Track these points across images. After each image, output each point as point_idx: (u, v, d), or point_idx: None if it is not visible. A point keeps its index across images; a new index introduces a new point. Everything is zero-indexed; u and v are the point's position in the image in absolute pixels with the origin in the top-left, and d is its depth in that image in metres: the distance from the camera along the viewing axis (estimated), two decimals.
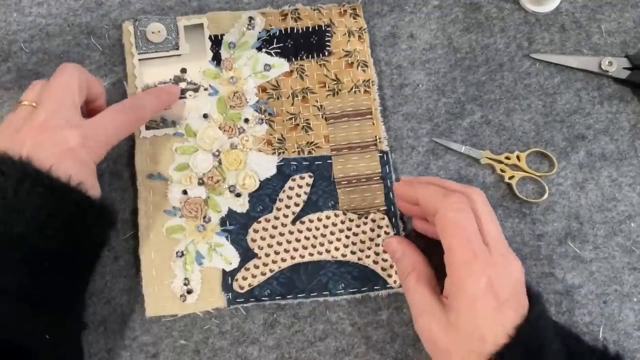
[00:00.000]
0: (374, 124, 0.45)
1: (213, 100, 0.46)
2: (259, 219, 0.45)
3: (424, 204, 0.37)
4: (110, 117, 0.39)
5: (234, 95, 0.46)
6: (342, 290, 0.43)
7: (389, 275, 0.43)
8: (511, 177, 0.45)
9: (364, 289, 0.43)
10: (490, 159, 0.46)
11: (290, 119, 0.46)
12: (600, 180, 0.45)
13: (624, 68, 0.44)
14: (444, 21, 0.48)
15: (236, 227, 0.45)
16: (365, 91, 0.46)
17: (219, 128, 0.45)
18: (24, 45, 0.44)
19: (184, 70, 0.46)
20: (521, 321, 0.33)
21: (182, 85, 0.46)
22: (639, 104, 0.45)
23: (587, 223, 0.45)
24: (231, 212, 0.45)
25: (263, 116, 0.46)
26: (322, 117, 0.46)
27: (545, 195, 0.45)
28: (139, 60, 0.46)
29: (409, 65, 0.48)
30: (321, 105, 0.46)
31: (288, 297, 0.43)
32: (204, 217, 0.45)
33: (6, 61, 0.44)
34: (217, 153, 0.45)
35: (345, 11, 0.47)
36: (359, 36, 0.47)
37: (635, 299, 0.43)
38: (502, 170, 0.46)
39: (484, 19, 0.48)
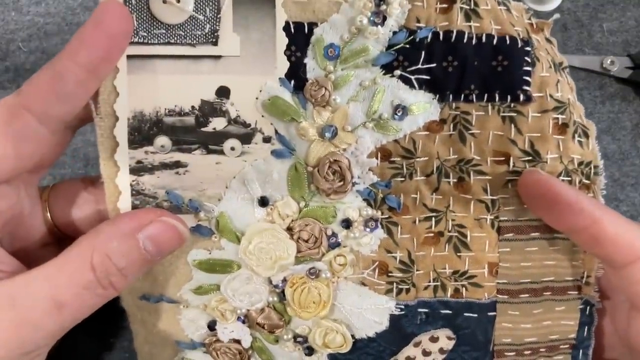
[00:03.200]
0: (585, 250, 0.24)
1: (282, 169, 0.22)
2: None
3: (611, 242, 0.22)
4: (73, 298, 0.20)
5: (327, 166, 0.22)
6: None
7: None
8: None
9: None
10: None
11: (428, 219, 0.23)
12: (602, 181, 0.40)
13: (626, 67, 0.43)
14: None
15: None
16: (583, 184, 0.23)
17: (290, 230, 0.22)
18: (22, 44, 0.44)
19: (223, 92, 0.21)
20: None
21: (218, 123, 0.22)
22: None
23: None
24: None
25: (379, 213, 0.23)
26: (493, 225, 0.23)
27: None
28: (130, 57, 0.20)
29: None
30: (493, 201, 0.23)
31: None
32: None
33: (4, 60, 0.44)
34: (279, 284, 0.23)
35: (536, 26, 0.23)
36: (565, 78, 0.23)
37: None
38: None
39: None
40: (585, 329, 0.25)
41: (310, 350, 0.24)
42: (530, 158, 0.23)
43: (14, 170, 0.20)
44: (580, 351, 0.25)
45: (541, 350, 0.24)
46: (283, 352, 0.24)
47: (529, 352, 0.24)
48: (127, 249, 0.20)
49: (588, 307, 0.24)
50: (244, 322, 0.24)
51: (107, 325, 0.37)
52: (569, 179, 0.23)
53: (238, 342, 0.24)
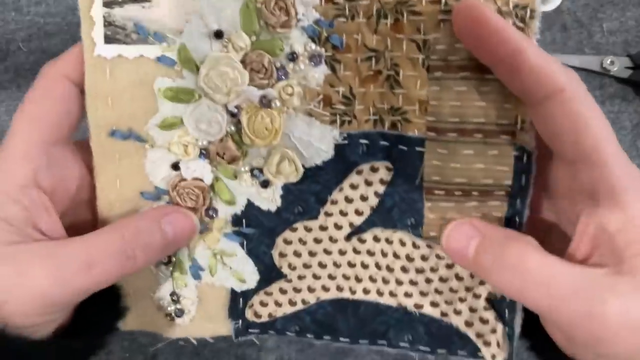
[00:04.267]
0: (507, 85, 0.26)
1: (234, 6, 0.25)
2: (296, 225, 0.28)
3: (533, 72, 0.22)
4: (102, 261, 0.24)
5: (274, 3, 0.25)
6: (408, 344, 0.28)
7: (486, 343, 0.28)
8: None
9: (442, 351, 0.28)
10: None
11: (369, 59, 0.26)
12: None
13: (626, 67, 0.43)
14: None
15: (257, 231, 0.28)
16: (517, 26, 0.24)
17: (243, 63, 0.25)
18: (22, 44, 0.44)
19: None
20: None
21: None
22: None
23: None
24: (251, 208, 0.27)
25: (323, 50, 0.25)
26: (424, 63, 0.26)
27: None
28: None
29: None
30: (425, 41, 0.25)
31: (326, 337, 0.29)
32: (208, 210, 0.27)
33: (4, 60, 0.43)
34: (235, 110, 0.26)
35: None
36: None
37: None
38: None
39: None
40: (523, 178, 0.25)
41: (265, 183, 0.27)
42: None
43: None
44: (518, 200, 0.26)
45: (473, 193, 0.26)
46: (242, 190, 0.27)
47: (459, 192, 0.26)
48: (151, 228, 0.25)
49: (525, 155, 0.25)
50: (205, 158, 0.27)
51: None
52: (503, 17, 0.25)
53: (200, 180, 0.27)
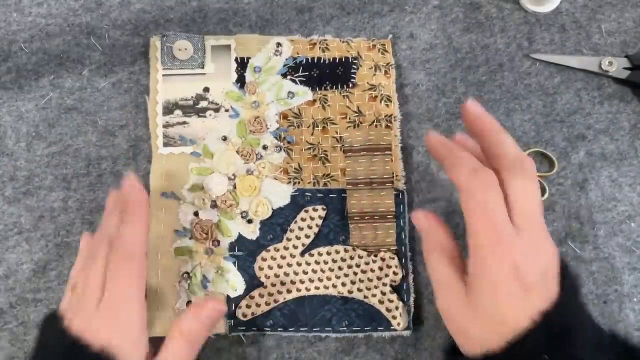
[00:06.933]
0: (392, 160, 0.45)
1: (233, 123, 0.46)
2: (268, 248, 0.44)
3: (450, 174, 0.35)
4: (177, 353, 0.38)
5: (254, 120, 0.45)
6: (345, 328, 0.43)
7: (394, 317, 0.42)
8: None
9: (368, 328, 0.43)
10: None
11: (309, 148, 0.45)
12: (601, 181, 0.45)
13: (624, 68, 0.43)
14: (444, 21, 0.48)
15: (245, 253, 0.44)
16: (387, 126, 0.45)
17: (237, 152, 0.45)
18: (24, 45, 0.44)
19: (206, 89, 0.46)
20: (548, 306, 0.32)
21: (203, 104, 0.46)
22: (639, 104, 0.45)
23: (587, 223, 0.45)
24: (241, 238, 0.44)
25: (282, 144, 0.45)
26: (341, 149, 0.45)
27: (545, 195, 0.45)
28: (163, 75, 0.46)
29: (409, 65, 0.48)
30: (340, 137, 0.45)
31: (290, 329, 0.43)
32: (214, 241, 0.44)
33: (6, 61, 0.44)
34: (232, 177, 0.45)
35: (374, 46, 0.47)
36: (385, 71, 0.46)
37: (635, 299, 0.44)
38: None
39: (484, 18, 0.48)
40: (401, 206, 0.44)
41: (250, 221, 0.45)
42: (357, 114, 0.45)
43: None
44: (401, 220, 0.44)
45: (375, 217, 0.44)
46: (236, 225, 0.45)
47: (368, 217, 0.44)
48: (193, 320, 0.38)
49: (400, 193, 0.44)
50: (213, 206, 0.45)
51: None
52: (378, 123, 0.45)
53: (210, 220, 0.45)
